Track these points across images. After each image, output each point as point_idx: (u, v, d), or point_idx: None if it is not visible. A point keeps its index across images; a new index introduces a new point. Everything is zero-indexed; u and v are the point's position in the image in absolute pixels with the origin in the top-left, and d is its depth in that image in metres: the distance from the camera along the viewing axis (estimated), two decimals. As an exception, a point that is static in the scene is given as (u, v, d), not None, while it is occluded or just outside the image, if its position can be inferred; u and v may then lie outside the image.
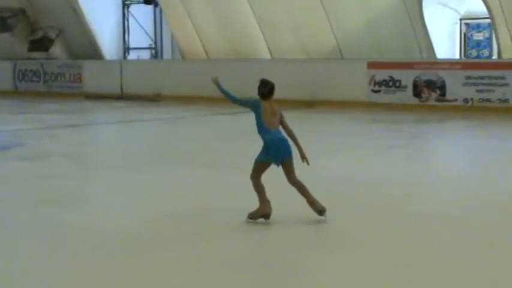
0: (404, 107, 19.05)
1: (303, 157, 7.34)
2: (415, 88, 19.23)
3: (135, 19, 27.06)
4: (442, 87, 18.91)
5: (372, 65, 19.95)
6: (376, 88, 19.78)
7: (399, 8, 20.14)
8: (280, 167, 7.33)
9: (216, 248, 6.56)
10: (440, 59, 19.95)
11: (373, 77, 19.78)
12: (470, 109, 18.31)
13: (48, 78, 26.60)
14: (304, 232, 7.12)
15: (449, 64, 19.28)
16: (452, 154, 13.23)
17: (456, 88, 18.68)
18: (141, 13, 27.24)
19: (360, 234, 7.03)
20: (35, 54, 27.28)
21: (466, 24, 23.48)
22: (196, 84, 21.69)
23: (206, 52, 24.40)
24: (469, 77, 18.55)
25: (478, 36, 23.31)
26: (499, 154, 11.99)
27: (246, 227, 7.22)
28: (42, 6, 27.48)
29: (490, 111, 17.91)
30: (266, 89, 7.39)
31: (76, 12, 26.08)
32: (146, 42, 27.64)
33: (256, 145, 7.36)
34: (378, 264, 6.03)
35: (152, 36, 27.73)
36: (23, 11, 27.78)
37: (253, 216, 7.36)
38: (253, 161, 7.33)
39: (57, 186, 9.65)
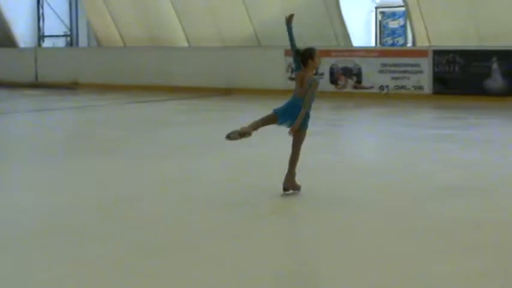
0: (321, 94, 19.14)
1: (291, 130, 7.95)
2: (332, 75, 19.40)
3: (50, 6, 26.55)
4: (359, 75, 19.13)
5: (289, 52, 19.90)
6: (294, 75, 19.81)
7: (316, -4, 20.26)
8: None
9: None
10: (356, 47, 20.16)
11: (290, 64, 19.84)
12: (386, 96, 18.58)
13: (-41, 67, 25.87)
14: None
15: (366, 52, 19.51)
16: (368, 141, 13.36)
17: (372, 75, 18.93)
18: (57, 0, 26.78)
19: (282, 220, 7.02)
20: None
21: (382, 12, 23.82)
22: (113, 72, 21.41)
23: (123, 39, 24.11)
24: (384, 65, 18.82)
25: (393, 24, 23.67)
26: (414, 141, 12.15)
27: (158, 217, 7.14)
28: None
29: (405, 98, 18.22)
30: (299, 57, 8.16)
31: (-12, -1, 25.48)
32: (61, 29, 27.16)
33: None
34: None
35: (68, 23, 27.26)
36: None
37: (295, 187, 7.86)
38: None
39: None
